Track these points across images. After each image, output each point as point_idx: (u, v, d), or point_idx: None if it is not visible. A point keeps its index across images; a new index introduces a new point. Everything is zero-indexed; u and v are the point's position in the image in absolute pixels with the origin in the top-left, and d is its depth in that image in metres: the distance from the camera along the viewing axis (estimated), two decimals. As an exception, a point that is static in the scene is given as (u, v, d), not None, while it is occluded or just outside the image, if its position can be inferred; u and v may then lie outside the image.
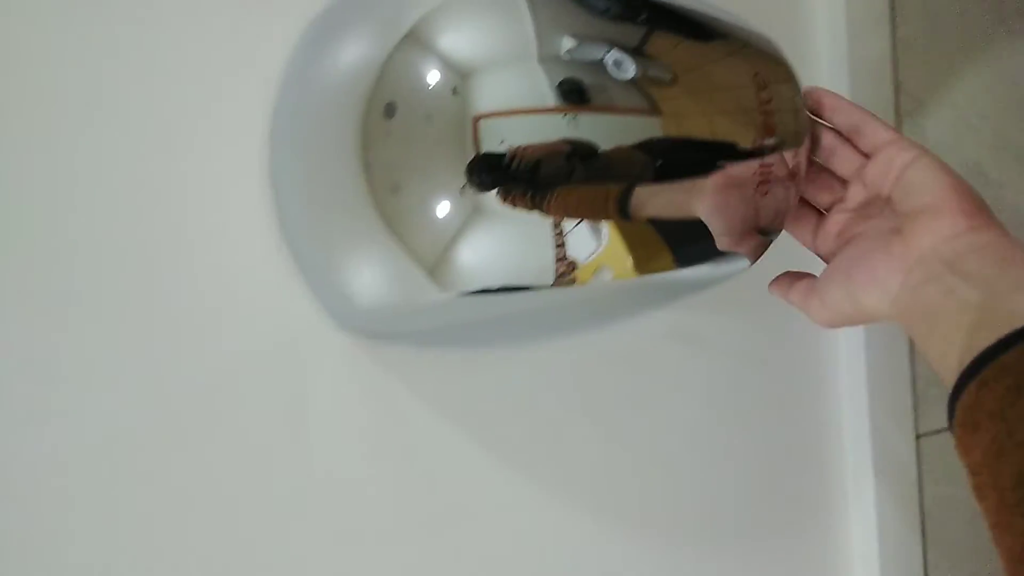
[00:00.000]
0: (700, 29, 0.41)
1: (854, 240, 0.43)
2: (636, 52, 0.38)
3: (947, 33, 0.74)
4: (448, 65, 0.37)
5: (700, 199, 0.40)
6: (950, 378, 0.35)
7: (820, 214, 0.46)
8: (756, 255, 0.44)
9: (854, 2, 0.67)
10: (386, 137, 0.37)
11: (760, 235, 0.43)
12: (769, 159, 0.41)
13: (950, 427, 0.35)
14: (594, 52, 0.38)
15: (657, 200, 0.39)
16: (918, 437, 0.69)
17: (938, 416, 0.70)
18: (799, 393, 0.66)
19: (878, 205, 0.42)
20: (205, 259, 0.42)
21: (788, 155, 0.42)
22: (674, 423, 0.58)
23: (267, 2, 0.42)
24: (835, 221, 0.44)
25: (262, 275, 0.43)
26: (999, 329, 0.33)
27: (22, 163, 0.38)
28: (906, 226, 0.40)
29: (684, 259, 0.42)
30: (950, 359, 0.35)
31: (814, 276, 0.44)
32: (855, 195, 0.43)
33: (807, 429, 0.66)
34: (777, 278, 0.46)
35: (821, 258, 0.45)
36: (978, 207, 0.39)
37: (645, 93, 0.38)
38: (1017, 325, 0.33)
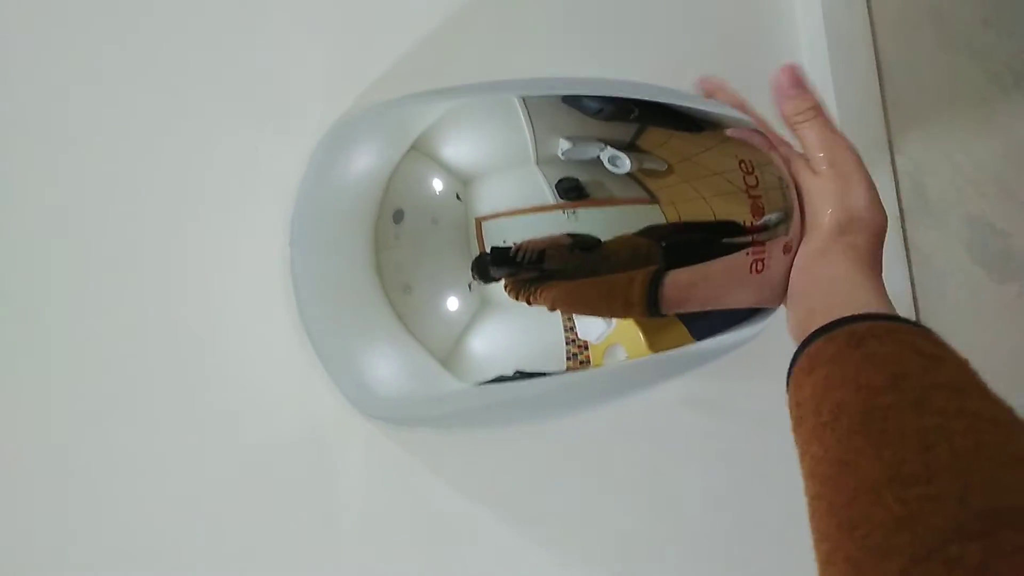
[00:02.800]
0: (688, 121, 0.43)
1: None
2: (630, 148, 0.40)
3: (936, 90, 0.76)
4: (451, 173, 0.39)
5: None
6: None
7: None
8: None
9: (839, 66, 0.69)
10: (396, 240, 0.39)
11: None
12: (760, 238, 0.42)
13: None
14: (590, 151, 0.40)
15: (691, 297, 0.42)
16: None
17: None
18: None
19: None
20: (234, 357, 0.44)
21: (781, 229, 0.44)
22: (693, 491, 0.59)
23: (283, 123, 0.46)
24: None
25: (288, 371, 0.45)
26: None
27: (62, 265, 0.40)
28: None
29: (697, 332, 0.43)
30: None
31: None
32: None
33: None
34: None
35: None
36: None
37: (641, 184, 0.40)
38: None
